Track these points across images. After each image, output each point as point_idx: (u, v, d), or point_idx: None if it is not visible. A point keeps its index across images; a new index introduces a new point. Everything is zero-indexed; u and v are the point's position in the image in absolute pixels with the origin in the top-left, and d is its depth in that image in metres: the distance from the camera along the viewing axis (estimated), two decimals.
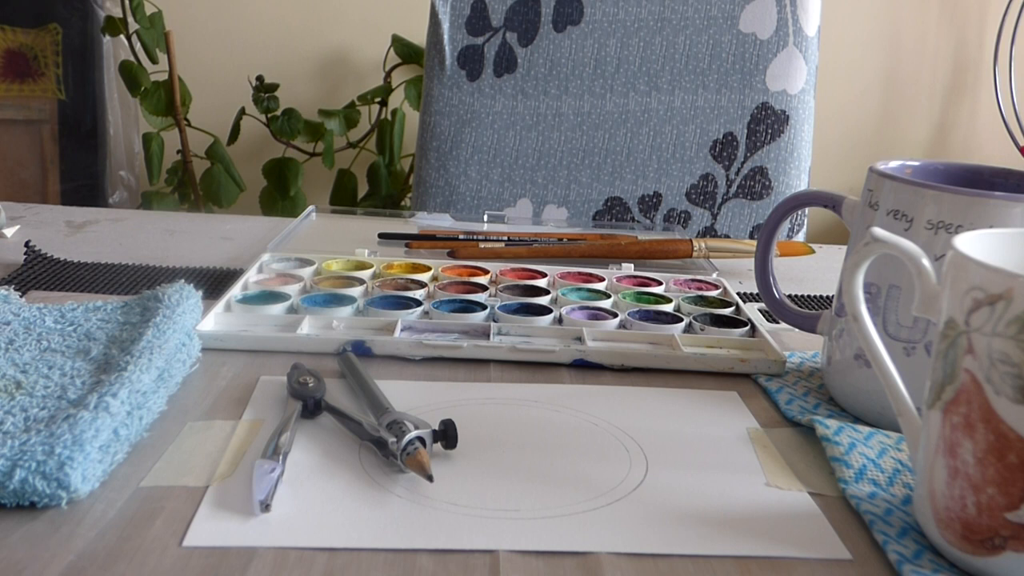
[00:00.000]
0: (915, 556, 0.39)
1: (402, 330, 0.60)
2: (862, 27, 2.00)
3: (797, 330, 0.62)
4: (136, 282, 0.71)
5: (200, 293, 0.59)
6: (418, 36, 1.59)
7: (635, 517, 0.41)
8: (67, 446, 0.40)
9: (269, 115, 1.81)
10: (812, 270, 0.87)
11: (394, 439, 0.44)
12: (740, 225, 1.13)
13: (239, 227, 0.92)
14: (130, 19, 1.77)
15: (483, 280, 0.73)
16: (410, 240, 0.84)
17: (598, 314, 0.65)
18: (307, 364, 0.54)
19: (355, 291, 0.67)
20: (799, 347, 0.63)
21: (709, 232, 1.14)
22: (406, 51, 1.82)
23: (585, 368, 0.58)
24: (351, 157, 1.90)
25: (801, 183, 1.14)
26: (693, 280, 0.76)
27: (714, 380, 0.58)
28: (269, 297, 0.65)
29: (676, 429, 0.51)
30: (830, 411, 0.53)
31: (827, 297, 0.78)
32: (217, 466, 0.44)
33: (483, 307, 0.65)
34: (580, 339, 0.61)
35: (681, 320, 0.65)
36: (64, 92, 1.93)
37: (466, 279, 0.72)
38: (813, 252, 0.85)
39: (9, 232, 0.84)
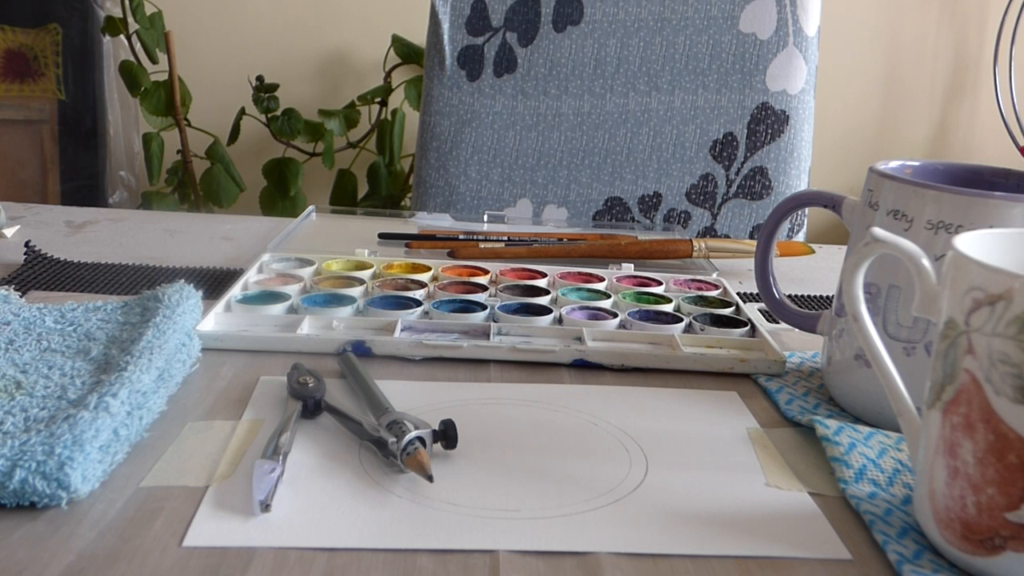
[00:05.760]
0: (915, 556, 0.39)
1: (402, 330, 0.60)
2: (862, 27, 2.00)
3: (797, 330, 0.62)
4: (136, 282, 0.71)
5: (200, 293, 0.59)
6: (418, 36, 1.59)
7: (635, 517, 0.41)
8: (67, 446, 0.40)
9: (269, 115, 1.81)
10: (812, 270, 0.87)
11: (394, 439, 0.44)
12: (740, 225, 1.13)
13: (239, 227, 0.92)
14: (130, 19, 1.77)
15: (483, 280, 0.73)
16: (410, 240, 0.84)
17: (598, 314, 0.65)
18: (307, 364, 0.54)
19: (355, 291, 0.67)
20: (799, 347, 0.63)
21: (709, 232, 1.14)
22: (406, 51, 1.82)
23: (585, 368, 0.58)
24: (351, 157, 1.90)
25: (801, 183, 1.14)
26: (693, 280, 0.76)
27: (714, 380, 0.58)
28: (269, 297, 0.65)
29: (676, 429, 0.51)
30: (830, 411, 0.53)
31: (827, 297, 0.78)
32: (217, 466, 0.44)
33: (483, 307, 0.65)
34: (580, 339, 0.61)
35: (681, 320, 0.65)
36: (64, 92, 1.93)
37: (466, 279, 0.72)
38: (813, 252, 0.85)
39: (9, 232, 0.84)
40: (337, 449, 0.46)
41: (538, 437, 0.49)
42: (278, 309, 0.63)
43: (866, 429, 0.49)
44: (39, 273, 0.72)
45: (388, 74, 1.86)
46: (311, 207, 0.97)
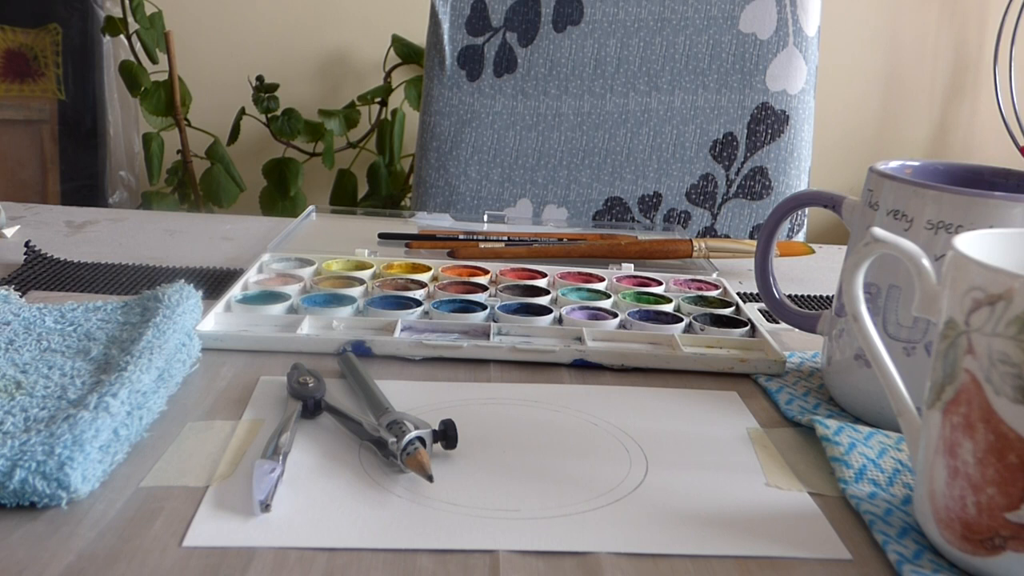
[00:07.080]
0: (915, 556, 0.39)
1: (402, 330, 0.60)
2: (862, 27, 2.00)
3: (797, 330, 0.62)
4: (136, 282, 0.71)
5: (200, 293, 0.59)
6: (418, 36, 1.59)
7: (635, 517, 0.41)
8: (67, 446, 0.40)
9: (269, 115, 1.81)
10: (812, 270, 0.87)
11: (394, 439, 0.44)
12: (740, 225, 1.13)
13: (239, 227, 0.92)
14: (130, 19, 1.77)
15: (483, 280, 0.73)
16: (410, 240, 0.84)
17: (598, 314, 0.65)
18: (307, 364, 0.54)
19: (355, 291, 0.67)
20: (799, 347, 0.63)
21: (709, 232, 1.14)
22: (406, 51, 1.82)
23: (585, 368, 0.58)
24: (351, 157, 1.90)
25: (801, 183, 1.14)
26: (693, 280, 0.76)
27: (714, 380, 0.58)
28: (269, 297, 0.65)
29: (676, 429, 0.51)
30: (830, 411, 0.53)
31: (827, 297, 0.78)
32: (217, 466, 0.44)
33: (483, 307, 0.65)
34: (580, 339, 0.61)
35: (681, 320, 0.65)
36: (64, 92, 1.93)
37: (466, 279, 0.72)
38: (813, 252, 0.85)
39: (9, 232, 0.84)
40: (337, 449, 0.46)
41: (538, 437, 0.49)
42: (278, 309, 0.63)
43: (866, 429, 0.49)
44: (39, 273, 0.72)
45: (388, 74, 1.86)
46: (311, 207, 0.97)
